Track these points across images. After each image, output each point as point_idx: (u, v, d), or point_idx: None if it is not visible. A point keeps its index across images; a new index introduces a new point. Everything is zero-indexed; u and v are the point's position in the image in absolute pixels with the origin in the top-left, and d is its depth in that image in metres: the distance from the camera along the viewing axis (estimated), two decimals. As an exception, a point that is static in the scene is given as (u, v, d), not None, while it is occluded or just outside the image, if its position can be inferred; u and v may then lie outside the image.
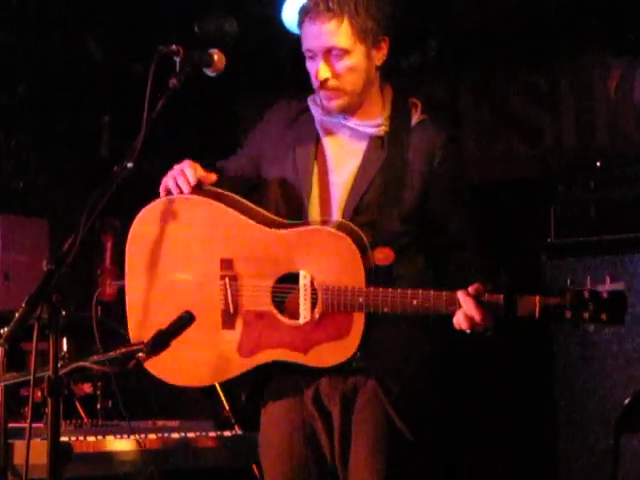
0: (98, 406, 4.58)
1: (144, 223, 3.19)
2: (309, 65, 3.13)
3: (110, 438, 4.08)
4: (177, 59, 2.95)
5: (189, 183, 3.09)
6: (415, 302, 2.91)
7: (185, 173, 3.10)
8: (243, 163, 3.31)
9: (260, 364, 3.08)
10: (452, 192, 3.17)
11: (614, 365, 4.80)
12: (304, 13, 3.09)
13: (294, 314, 3.03)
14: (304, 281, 3.01)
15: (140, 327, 3.15)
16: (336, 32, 3.04)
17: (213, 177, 3.16)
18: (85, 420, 4.38)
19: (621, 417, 4.56)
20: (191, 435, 4.31)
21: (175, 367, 3.13)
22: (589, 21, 5.35)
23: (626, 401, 4.56)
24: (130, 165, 2.80)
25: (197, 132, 6.24)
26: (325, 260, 3.01)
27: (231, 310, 3.07)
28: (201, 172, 3.13)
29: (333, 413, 3.11)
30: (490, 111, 5.92)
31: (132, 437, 4.07)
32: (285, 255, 3.05)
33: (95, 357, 2.84)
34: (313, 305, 3.00)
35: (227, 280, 3.08)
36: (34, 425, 2.94)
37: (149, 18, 5.70)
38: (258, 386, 3.21)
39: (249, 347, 3.08)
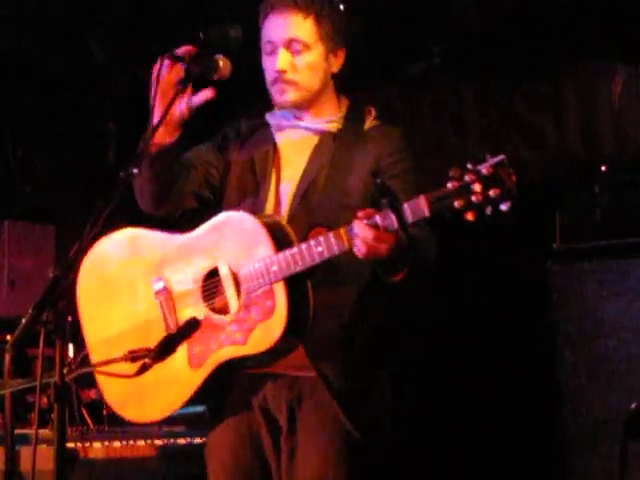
0: (104, 412, 4.58)
1: (85, 270, 3.22)
2: (266, 60, 3.18)
3: (116, 444, 4.08)
4: (182, 65, 2.96)
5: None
6: (320, 249, 2.87)
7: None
8: (210, 159, 3.29)
9: (212, 370, 3.03)
10: (401, 189, 3.02)
11: (620, 370, 4.79)
12: (269, 6, 3.16)
13: (227, 309, 3.02)
14: (224, 271, 3.00)
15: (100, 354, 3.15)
16: (300, 25, 3.11)
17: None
18: (91, 426, 4.38)
19: (628, 423, 4.55)
20: (198, 440, 4.32)
21: (136, 402, 3.12)
22: (593, 25, 5.35)
23: (632, 406, 4.55)
24: (136, 171, 2.80)
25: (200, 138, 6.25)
26: (234, 243, 3.01)
27: (172, 327, 3.07)
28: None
29: (280, 421, 3.08)
30: (494, 116, 5.91)
31: (139, 443, 4.07)
32: (203, 253, 3.05)
33: (100, 362, 2.84)
34: (239, 293, 2.99)
35: (161, 299, 3.10)
36: (39, 431, 2.94)
37: (154, 23, 5.71)
38: (221, 399, 3.18)
39: (198, 357, 3.05)
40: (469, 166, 2.67)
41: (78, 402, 4.53)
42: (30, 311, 2.55)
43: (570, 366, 4.99)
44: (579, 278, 5.01)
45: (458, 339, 5.65)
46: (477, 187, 2.64)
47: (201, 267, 3.05)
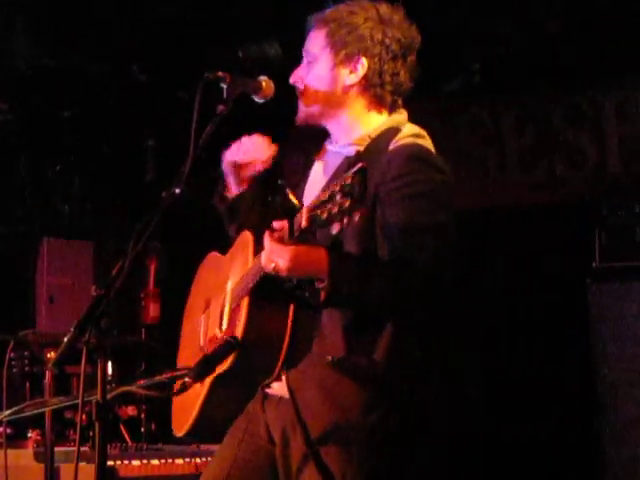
0: (142, 429, 4.59)
1: (200, 270, 3.42)
2: None
3: (154, 462, 4.09)
4: (224, 86, 2.95)
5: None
6: (258, 262, 2.79)
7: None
8: None
9: (209, 387, 2.97)
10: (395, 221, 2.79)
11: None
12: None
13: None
14: (228, 289, 3.04)
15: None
16: (312, 37, 3.01)
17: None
18: (129, 443, 4.39)
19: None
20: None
21: (175, 415, 3.20)
22: (633, 41, 5.33)
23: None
24: (178, 191, 2.80)
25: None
26: (236, 261, 3.04)
27: (202, 344, 3.14)
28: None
29: (277, 442, 2.93)
30: (532, 134, 5.90)
31: (177, 461, 4.08)
32: (230, 273, 3.08)
33: (141, 381, 2.84)
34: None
35: (202, 317, 3.18)
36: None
37: (194, 42, 5.74)
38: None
39: None
40: (344, 174, 2.51)
41: (116, 419, 4.55)
42: (72, 330, 2.55)
43: (608, 384, 4.97)
44: (618, 297, 5.00)
45: (497, 357, 5.63)
46: (338, 197, 2.48)
47: (226, 287, 3.07)
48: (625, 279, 4.95)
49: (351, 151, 2.93)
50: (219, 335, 3.02)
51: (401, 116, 2.98)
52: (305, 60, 3.02)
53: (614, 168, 5.68)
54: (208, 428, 3.11)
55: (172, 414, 3.23)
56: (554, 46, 5.47)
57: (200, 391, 2.99)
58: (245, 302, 2.87)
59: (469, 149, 6.05)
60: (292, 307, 2.86)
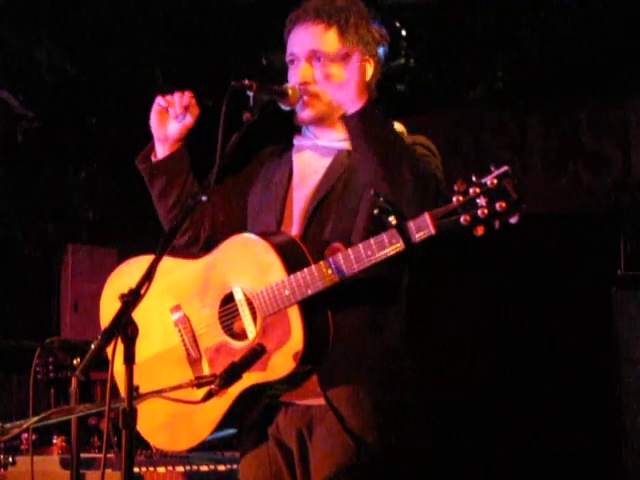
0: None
1: (106, 299, 3.19)
2: (290, 73, 3.08)
3: (179, 469, 4.09)
4: (250, 93, 2.95)
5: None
6: (329, 271, 2.78)
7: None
8: (228, 191, 3.25)
9: (236, 397, 2.93)
10: None
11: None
12: (293, 19, 3.07)
13: (245, 334, 2.93)
14: (238, 297, 2.92)
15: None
16: (322, 37, 3.01)
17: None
18: (154, 450, 4.39)
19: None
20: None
21: (167, 431, 3.07)
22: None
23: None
24: (204, 198, 2.80)
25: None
26: (247, 267, 2.93)
27: (193, 354, 3.01)
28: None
29: (293, 450, 2.99)
30: (558, 141, 5.88)
31: (202, 468, 4.08)
32: (218, 277, 2.98)
33: (167, 388, 2.84)
34: (255, 318, 2.90)
35: (180, 327, 3.04)
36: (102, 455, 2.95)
37: (217, 49, 5.76)
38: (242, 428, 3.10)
39: None
40: (473, 179, 2.55)
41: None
42: (99, 337, 2.55)
43: (632, 391, 4.95)
44: (644, 304, 4.98)
45: (522, 365, 5.63)
46: (482, 201, 2.52)
47: (217, 292, 2.97)
48: (650, 286, 4.93)
49: (344, 146, 3.01)
50: (236, 344, 2.94)
51: None
52: (315, 60, 3.01)
53: (638, 175, 5.65)
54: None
55: (156, 430, 3.07)
56: (578, 52, 5.45)
57: (209, 405, 2.87)
58: (296, 311, 2.85)
59: (493, 155, 6.04)
60: (329, 314, 2.88)
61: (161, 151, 3.19)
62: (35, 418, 2.86)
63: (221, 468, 4.19)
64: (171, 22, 5.66)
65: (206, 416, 2.97)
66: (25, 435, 4.15)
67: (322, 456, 2.91)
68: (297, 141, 3.16)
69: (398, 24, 5.25)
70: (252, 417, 3.04)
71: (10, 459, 4.03)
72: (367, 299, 2.94)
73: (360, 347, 2.92)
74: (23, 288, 6.42)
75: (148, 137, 3.26)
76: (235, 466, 4.28)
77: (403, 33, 5.27)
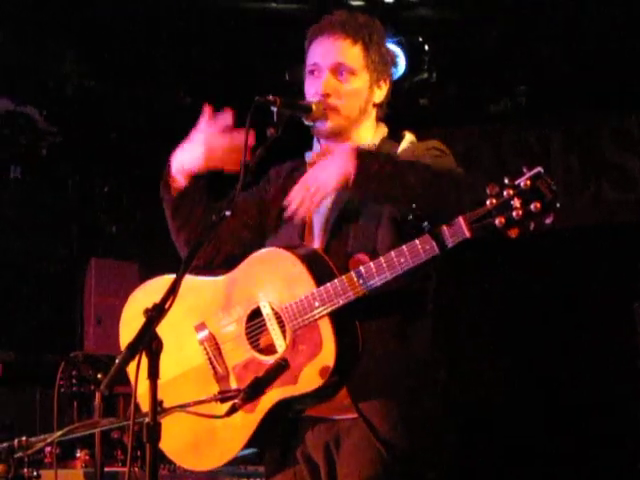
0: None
1: (127, 321, 3.16)
2: (309, 84, 3.07)
3: (202, 483, 4.10)
4: (274, 109, 2.95)
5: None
6: (360, 281, 2.77)
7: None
8: (249, 202, 3.22)
9: (266, 413, 2.90)
10: None
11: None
12: (317, 30, 3.07)
13: (273, 348, 2.91)
14: (265, 311, 2.91)
15: None
16: (348, 51, 3.02)
17: None
18: (177, 464, 4.39)
19: None
20: None
21: (193, 451, 3.05)
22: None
23: None
24: (228, 213, 2.80)
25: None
26: (274, 281, 2.91)
27: (221, 371, 2.99)
28: None
29: (319, 464, 2.96)
30: (580, 157, 5.87)
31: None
32: (243, 293, 2.97)
33: (191, 403, 2.85)
34: (284, 332, 2.87)
35: (205, 344, 3.01)
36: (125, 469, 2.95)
37: (241, 66, 5.78)
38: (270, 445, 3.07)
39: None
40: (506, 181, 2.54)
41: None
42: (124, 351, 2.55)
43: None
44: (666, 320, 4.96)
45: (547, 377, 5.63)
46: (517, 202, 2.51)
47: (243, 308, 2.95)
48: (674, 302, 4.91)
49: None
50: (265, 359, 2.91)
51: (385, 128, 3.12)
52: (339, 72, 3.01)
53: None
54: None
55: (181, 451, 3.06)
56: (601, 66, 5.44)
57: (238, 422, 2.90)
58: (327, 324, 2.83)
59: (514, 170, 6.02)
60: (358, 326, 2.86)
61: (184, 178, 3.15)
62: (60, 432, 2.86)
63: (243, 482, 4.20)
64: (194, 38, 5.68)
65: (235, 434, 2.96)
66: (49, 449, 4.16)
67: (350, 470, 2.90)
68: (308, 157, 3.14)
69: (421, 39, 5.26)
70: (276, 432, 3.01)
71: (35, 473, 4.05)
72: (395, 310, 2.93)
73: (389, 359, 2.91)
74: (46, 302, 6.45)
75: (170, 152, 3.26)
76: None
77: (426, 48, 5.27)
